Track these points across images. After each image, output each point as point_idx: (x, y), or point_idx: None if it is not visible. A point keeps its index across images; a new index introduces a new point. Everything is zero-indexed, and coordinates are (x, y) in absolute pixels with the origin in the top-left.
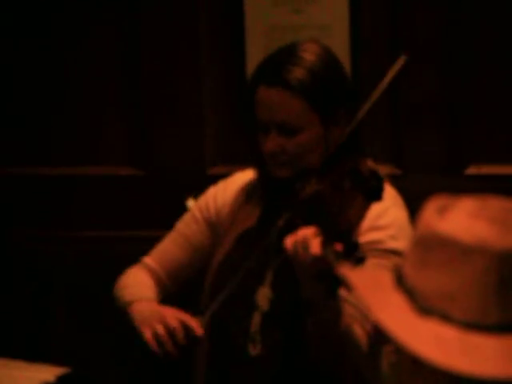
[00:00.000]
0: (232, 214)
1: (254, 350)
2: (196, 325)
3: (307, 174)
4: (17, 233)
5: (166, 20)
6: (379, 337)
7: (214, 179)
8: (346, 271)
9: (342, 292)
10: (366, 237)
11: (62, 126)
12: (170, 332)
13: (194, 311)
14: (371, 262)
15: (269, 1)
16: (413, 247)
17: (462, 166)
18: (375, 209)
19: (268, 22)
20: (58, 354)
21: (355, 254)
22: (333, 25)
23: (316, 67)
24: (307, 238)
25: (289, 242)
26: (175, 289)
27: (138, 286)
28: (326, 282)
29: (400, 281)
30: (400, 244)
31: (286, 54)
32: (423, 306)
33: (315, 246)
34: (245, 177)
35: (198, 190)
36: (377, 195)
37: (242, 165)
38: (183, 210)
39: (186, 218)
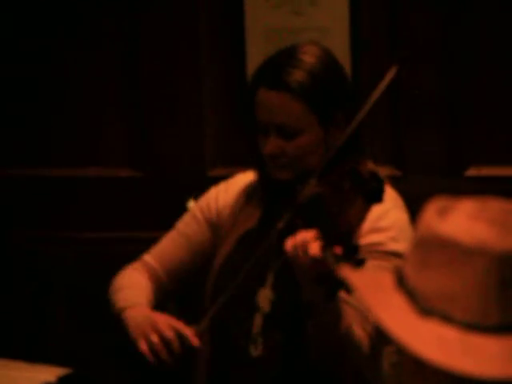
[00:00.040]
0: (233, 216)
1: (255, 352)
2: (191, 334)
3: (307, 176)
4: (17, 234)
5: (165, 20)
6: (380, 338)
7: (214, 180)
8: (347, 272)
9: (342, 294)
10: (366, 239)
11: (62, 127)
12: (165, 342)
13: (194, 312)
14: (372, 264)
15: (269, 2)
16: (413, 248)
17: (462, 168)
18: (376, 211)
19: (268, 24)
20: (58, 354)
21: (355, 257)
22: (333, 26)
23: (316, 69)
24: (306, 241)
25: (288, 244)
26: (172, 287)
27: (132, 288)
28: (326, 284)
29: (401, 282)
30: (400, 246)
31: (286, 57)
32: (424, 307)
33: (314, 249)
34: (246, 178)
35: (197, 191)
36: (377, 197)
37: (242, 166)
38: (183, 211)
39: (187, 217)
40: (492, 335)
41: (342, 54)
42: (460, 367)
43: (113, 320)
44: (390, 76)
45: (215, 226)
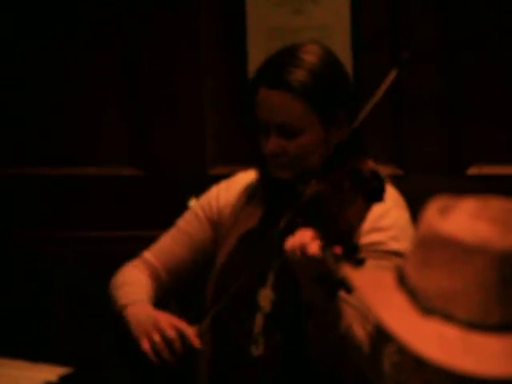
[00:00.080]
0: (234, 215)
1: (256, 351)
2: (193, 335)
3: (308, 176)
4: (17, 233)
5: (166, 20)
6: (381, 337)
7: (215, 179)
8: (348, 272)
9: (343, 293)
10: (367, 238)
11: (62, 126)
12: (167, 341)
13: (195, 312)
14: (372, 264)
15: (270, 1)
16: (415, 247)
17: (463, 167)
18: (376, 210)
19: (269, 23)
20: (59, 353)
21: (355, 256)
22: (334, 25)
23: (317, 69)
24: (305, 241)
25: (288, 244)
26: (172, 285)
27: (133, 285)
28: (325, 284)
29: (402, 281)
30: (401, 245)
31: (287, 56)
32: (425, 306)
33: (313, 249)
34: (247, 177)
35: (198, 191)
36: (378, 196)
37: (242, 165)
38: (184, 210)
39: (188, 215)
40: (493, 334)
41: (344, 52)
42: (461, 366)
43: (113, 319)
44: (390, 77)
45: (216, 225)
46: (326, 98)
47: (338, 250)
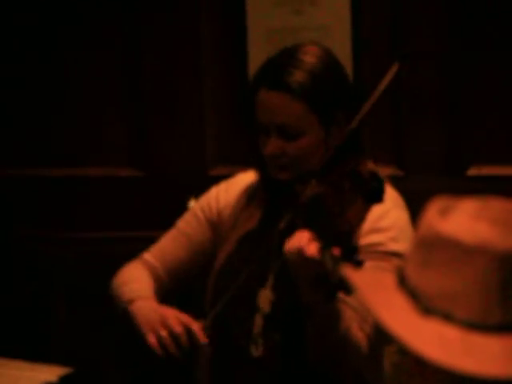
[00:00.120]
0: (234, 216)
1: (255, 352)
2: (199, 330)
3: (307, 177)
4: (17, 233)
5: (166, 20)
6: (381, 338)
7: (215, 180)
8: (348, 272)
9: (341, 295)
10: (366, 239)
11: (62, 126)
12: (174, 335)
13: (195, 312)
14: (372, 265)
15: (270, 1)
16: (415, 248)
17: (462, 167)
18: (376, 210)
19: (269, 23)
20: (59, 353)
21: (354, 258)
22: (334, 26)
23: (316, 70)
24: (303, 243)
25: (286, 246)
26: (172, 286)
27: (136, 282)
28: (324, 286)
29: (402, 281)
30: (401, 246)
31: (287, 57)
32: (426, 307)
33: (312, 251)
34: (247, 178)
35: (198, 191)
36: (377, 197)
37: (242, 166)
38: (184, 210)
39: (188, 216)
40: (493, 334)
41: (343, 53)
42: (461, 366)
43: (113, 319)
44: (391, 74)
45: (216, 226)
46: (325, 100)
47: (336, 251)
